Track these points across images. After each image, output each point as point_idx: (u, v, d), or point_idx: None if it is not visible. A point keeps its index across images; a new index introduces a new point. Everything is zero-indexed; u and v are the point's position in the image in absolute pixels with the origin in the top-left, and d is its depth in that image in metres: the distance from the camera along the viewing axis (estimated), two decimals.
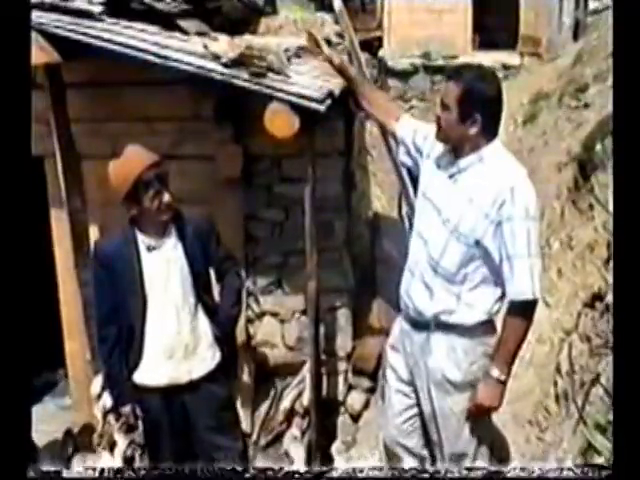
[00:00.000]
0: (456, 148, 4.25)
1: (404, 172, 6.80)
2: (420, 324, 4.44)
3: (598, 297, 5.87)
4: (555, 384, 5.77)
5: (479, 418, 4.43)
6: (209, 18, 6.69)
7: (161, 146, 5.64)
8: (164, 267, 4.82)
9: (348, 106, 6.19)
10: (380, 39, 19.61)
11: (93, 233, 6.40)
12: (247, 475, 4.11)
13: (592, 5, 17.44)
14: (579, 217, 7.40)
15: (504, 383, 4.25)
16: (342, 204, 6.91)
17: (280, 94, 5.24)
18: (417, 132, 4.68)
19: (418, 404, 4.66)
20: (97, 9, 5.71)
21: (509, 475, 3.98)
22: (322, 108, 5.21)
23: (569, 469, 3.76)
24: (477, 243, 4.15)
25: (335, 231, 6.80)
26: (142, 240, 4.80)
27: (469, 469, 4.23)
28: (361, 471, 3.91)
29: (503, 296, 4.25)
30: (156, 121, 6.39)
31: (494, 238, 4.10)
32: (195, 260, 4.90)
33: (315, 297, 6.13)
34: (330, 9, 8.04)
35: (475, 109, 4.09)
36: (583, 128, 8.77)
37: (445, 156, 4.37)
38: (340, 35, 7.51)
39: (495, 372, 4.19)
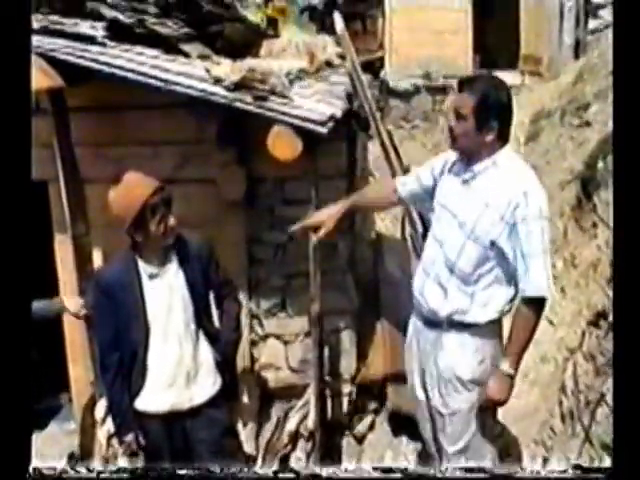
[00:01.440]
0: (471, 155, 4.39)
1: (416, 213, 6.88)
2: (433, 323, 4.62)
3: (602, 315, 5.89)
4: (560, 403, 5.78)
5: (486, 411, 4.61)
6: (211, 41, 6.71)
7: (164, 169, 5.68)
8: (166, 295, 4.83)
9: (350, 128, 6.21)
10: (382, 60, 19.69)
11: (97, 257, 6.38)
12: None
13: (592, 24, 17.50)
14: (582, 235, 7.42)
15: (512, 378, 4.38)
16: (345, 225, 6.89)
17: (283, 117, 5.27)
18: (421, 176, 4.89)
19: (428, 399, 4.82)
20: (100, 34, 5.75)
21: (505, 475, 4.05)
22: (324, 131, 5.23)
23: (572, 467, 3.81)
24: (492, 244, 4.32)
25: (338, 253, 6.80)
26: (143, 268, 4.81)
27: (470, 470, 4.26)
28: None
29: (515, 295, 4.41)
30: (159, 144, 6.38)
31: (509, 239, 4.26)
32: (196, 286, 4.91)
33: (319, 319, 6.15)
34: (331, 30, 8.07)
35: (491, 117, 4.25)
36: (585, 146, 8.81)
37: (458, 163, 4.54)
38: (342, 57, 7.53)
39: (505, 366, 4.34)
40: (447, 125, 4.47)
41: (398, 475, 3.87)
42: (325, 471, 3.84)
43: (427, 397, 4.82)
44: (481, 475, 3.94)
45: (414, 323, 4.86)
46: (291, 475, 3.82)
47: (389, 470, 3.84)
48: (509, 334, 4.36)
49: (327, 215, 5.26)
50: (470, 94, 4.25)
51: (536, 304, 4.29)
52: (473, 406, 4.59)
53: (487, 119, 4.24)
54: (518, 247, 4.23)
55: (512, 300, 4.44)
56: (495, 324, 4.53)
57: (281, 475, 3.85)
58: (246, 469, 4.65)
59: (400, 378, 6.22)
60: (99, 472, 3.98)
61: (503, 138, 4.35)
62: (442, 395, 4.64)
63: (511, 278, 4.36)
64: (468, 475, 4.01)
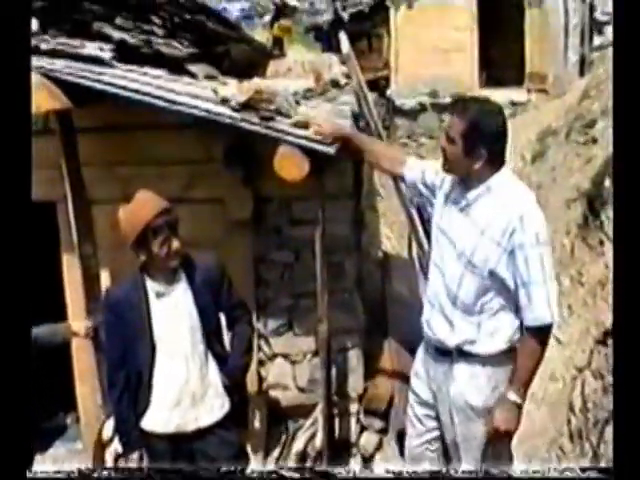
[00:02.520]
0: (464, 180, 4.32)
1: (414, 212, 6.83)
2: (443, 352, 4.51)
3: (610, 333, 5.87)
4: (569, 422, 5.76)
5: (499, 442, 4.46)
6: (218, 62, 6.76)
7: (171, 190, 5.67)
8: (173, 314, 4.80)
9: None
10: (387, 78, 19.76)
11: (104, 277, 6.40)
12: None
13: (597, 41, 17.56)
14: (589, 253, 7.42)
15: (520, 407, 4.30)
16: (352, 245, 6.91)
17: (289, 137, 5.25)
18: (426, 171, 4.75)
19: (439, 428, 4.73)
20: (107, 55, 5.77)
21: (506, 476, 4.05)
22: (331, 151, 5.21)
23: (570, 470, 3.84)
24: (491, 273, 4.22)
25: (345, 272, 6.80)
26: (151, 286, 4.79)
27: (470, 472, 4.26)
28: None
29: (522, 323, 4.30)
30: (166, 165, 6.41)
31: (508, 267, 4.18)
32: (205, 307, 4.87)
33: (326, 338, 6.13)
34: (337, 49, 8.10)
35: (480, 143, 4.16)
36: (591, 164, 8.81)
37: (455, 189, 4.45)
38: (348, 76, 7.55)
39: (512, 395, 4.25)
40: (439, 145, 4.41)
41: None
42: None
43: (439, 427, 4.76)
44: (483, 475, 4.03)
45: (424, 352, 4.75)
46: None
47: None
48: (516, 363, 4.28)
49: (332, 122, 5.37)
50: (460, 118, 4.18)
51: (540, 333, 4.21)
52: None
53: (475, 145, 4.15)
54: (518, 275, 4.15)
55: (520, 329, 4.32)
56: (508, 353, 4.38)
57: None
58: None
59: (406, 397, 6.23)
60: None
61: (496, 165, 4.25)
62: (454, 424, 4.54)
63: (516, 306, 4.27)
64: (473, 476, 4.11)
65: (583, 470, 3.75)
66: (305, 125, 5.27)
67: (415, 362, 4.91)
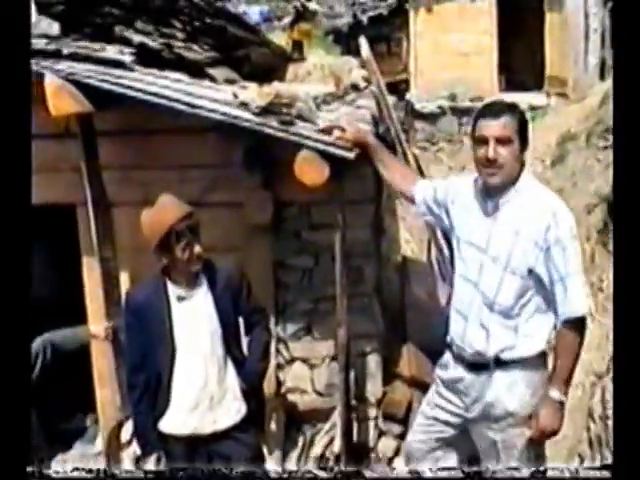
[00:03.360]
0: (505, 182, 4.33)
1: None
2: (478, 365, 4.51)
3: None
4: (588, 429, 5.74)
5: (541, 443, 4.50)
6: (238, 66, 6.77)
7: (191, 193, 5.69)
8: (193, 318, 4.84)
9: None
10: (407, 82, 19.75)
11: (124, 281, 6.41)
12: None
13: None
14: (609, 259, 7.39)
15: (563, 404, 4.32)
16: (372, 250, 6.91)
17: (309, 142, 5.27)
18: (437, 189, 4.83)
19: (459, 438, 4.75)
20: (128, 59, 5.77)
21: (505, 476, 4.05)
22: (351, 155, 5.21)
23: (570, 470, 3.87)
24: (530, 272, 4.27)
25: (365, 277, 6.80)
26: (172, 290, 4.83)
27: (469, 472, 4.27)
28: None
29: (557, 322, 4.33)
30: (186, 168, 6.41)
31: (544, 263, 4.24)
32: (225, 311, 4.91)
33: (345, 343, 6.13)
34: (356, 52, 8.10)
35: (527, 137, 4.33)
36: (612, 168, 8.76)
37: (477, 198, 4.49)
38: (367, 80, 7.55)
39: (555, 393, 4.27)
40: (484, 158, 4.30)
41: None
42: None
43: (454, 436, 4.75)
44: (487, 475, 3.98)
45: (454, 364, 4.67)
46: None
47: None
48: (554, 360, 4.29)
49: (356, 128, 5.34)
50: (512, 116, 4.27)
51: (578, 325, 4.23)
52: (527, 440, 4.46)
53: (526, 138, 4.31)
54: (554, 270, 4.19)
55: (556, 327, 4.36)
56: (543, 354, 4.44)
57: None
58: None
59: None
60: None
61: (524, 163, 4.42)
62: (494, 432, 4.50)
63: (550, 304, 4.30)
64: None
65: (583, 470, 3.75)
66: (331, 131, 5.29)
67: (440, 370, 4.87)
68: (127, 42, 6.06)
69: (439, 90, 19.04)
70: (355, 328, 6.37)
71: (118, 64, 5.71)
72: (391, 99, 7.98)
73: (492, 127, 4.27)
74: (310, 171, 5.26)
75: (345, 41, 21.14)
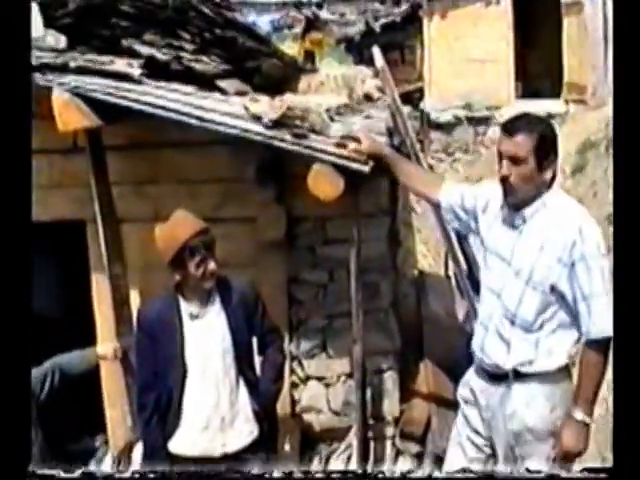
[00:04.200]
0: (527, 201, 4.31)
1: (452, 234, 6.82)
2: (498, 377, 4.50)
3: None
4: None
5: (566, 464, 4.39)
6: (249, 77, 6.76)
7: (203, 209, 5.68)
8: (206, 337, 4.84)
9: None
10: (421, 90, 19.73)
11: (134, 299, 6.42)
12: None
13: None
14: None
15: (588, 425, 4.27)
16: (387, 264, 6.92)
17: (323, 155, 5.28)
18: (464, 195, 4.78)
19: (491, 456, 4.71)
20: (136, 72, 5.80)
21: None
22: (366, 169, 5.22)
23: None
24: (552, 289, 4.23)
25: (381, 292, 6.81)
26: (185, 307, 4.82)
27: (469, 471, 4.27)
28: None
29: (581, 337, 4.29)
30: (197, 183, 6.45)
31: (568, 280, 4.19)
32: (238, 330, 4.90)
33: (361, 360, 6.13)
34: (369, 61, 8.12)
35: (551, 153, 4.23)
36: None
37: (505, 209, 4.45)
38: (381, 89, 7.56)
39: (579, 414, 4.22)
40: (499, 176, 4.32)
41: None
42: None
43: (493, 457, 4.72)
44: (485, 475, 4.06)
45: (476, 378, 4.69)
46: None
47: None
48: (578, 379, 4.26)
49: (372, 140, 5.32)
50: (527, 135, 4.19)
51: (602, 345, 4.17)
52: (548, 458, 4.40)
53: (547, 156, 4.21)
54: (578, 288, 4.15)
55: (579, 342, 4.33)
56: (564, 369, 4.41)
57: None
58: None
59: (444, 420, 6.22)
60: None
61: (553, 177, 4.32)
62: (514, 451, 4.46)
63: (574, 320, 4.26)
64: (472, 475, 4.11)
65: (583, 470, 3.75)
66: (346, 144, 5.29)
67: (462, 387, 4.86)
68: (135, 54, 6.10)
69: (454, 99, 18.99)
70: (371, 345, 6.39)
71: (126, 77, 5.74)
72: (405, 109, 8.00)
73: (506, 145, 4.26)
74: (324, 185, 5.27)
75: (358, 50, 21.11)
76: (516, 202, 4.32)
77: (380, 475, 4.10)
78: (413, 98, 19.08)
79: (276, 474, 3.95)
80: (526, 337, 4.35)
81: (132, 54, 6.10)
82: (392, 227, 7.24)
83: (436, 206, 5.10)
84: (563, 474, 3.92)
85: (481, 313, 4.68)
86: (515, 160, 4.21)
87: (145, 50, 6.15)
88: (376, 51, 7.24)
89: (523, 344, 4.36)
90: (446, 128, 19.14)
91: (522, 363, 4.36)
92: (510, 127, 4.29)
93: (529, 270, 4.27)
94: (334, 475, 4.01)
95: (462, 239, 6.78)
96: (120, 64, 5.89)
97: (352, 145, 5.23)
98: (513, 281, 4.35)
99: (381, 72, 7.23)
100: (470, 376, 4.78)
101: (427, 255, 11.70)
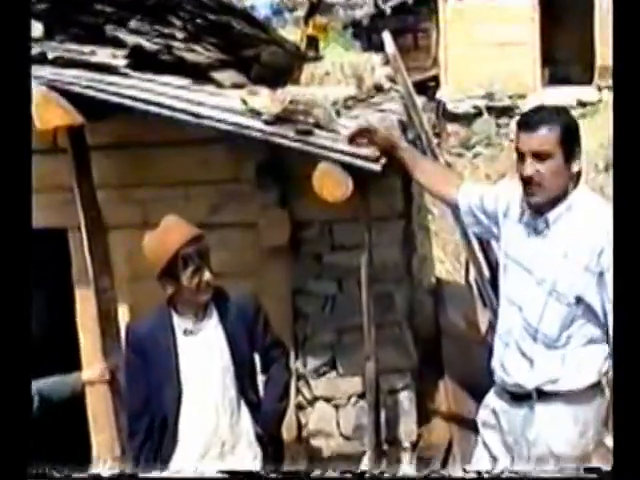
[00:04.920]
0: (548, 201, 4.28)
1: (472, 237, 6.84)
2: (519, 397, 4.49)
3: None
4: None
5: None
6: (246, 68, 6.79)
7: (197, 213, 5.74)
8: (202, 354, 4.83)
9: None
10: (436, 78, 19.69)
11: (123, 314, 6.44)
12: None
13: None
14: None
15: None
16: (402, 272, 6.93)
17: (330, 153, 5.28)
18: (484, 197, 4.77)
19: None
20: (121, 63, 5.81)
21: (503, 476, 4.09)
22: (377, 167, 5.23)
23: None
24: (579, 300, 4.20)
25: (395, 303, 6.82)
26: (179, 323, 4.81)
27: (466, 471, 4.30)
28: None
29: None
30: (191, 185, 6.48)
31: (597, 291, 4.15)
32: (238, 346, 4.89)
33: (374, 379, 6.15)
34: (379, 47, 8.14)
35: (576, 144, 4.26)
36: None
37: (527, 212, 4.43)
38: (392, 79, 7.59)
39: (611, 441, 4.16)
40: (522, 175, 4.30)
41: None
42: None
43: None
44: (486, 476, 4.02)
45: (496, 399, 4.69)
46: None
47: None
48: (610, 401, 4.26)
49: (386, 132, 5.34)
50: (550, 128, 4.18)
51: None
52: None
53: (573, 148, 4.22)
54: (607, 299, 4.10)
55: (610, 358, 4.27)
56: (595, 387, 4.36)
57: None
58: None
59: (467, 444, 6.23)
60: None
61: (579, 175, 4.31)
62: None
63: (606, 334, 4.21)
64: (471, 476, 4.10)
65: (583, 470, 3.79)
66: (358, 136, 5.28)
67: (483, 410, 4.86)
68: (120, 44, 6.10)
69: (474, 87, 18.95)
70: (385, 361, 6.41)
71: (110, 69, 5.75)
72: (420, 100, 8.02)
73: (528, 141, 4.25)
74: (331, 186, 5.27)
75: (366, 35, 21.10)
76: (541, 203, 4.29)
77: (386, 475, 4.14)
78: (428, 87, 19.07)
79: (276, 474, 4.02)
80: (550, 353, 4.33)
81: (116, 43, 6.11)
82: (406, 231, 7.26)
83: (454, 208, 5.13)
84: (563, 474, 3.98)
85: (500, 327, 4.65)
86: (541, 156, 4.19)
87: (131, 39, 6.15)
88: (386, 36, 7.29)
89: (547, 361, 4.34)
90: (465, 120, 19.06)
91: (546, 382, 4.35)
92: (530, 121, 4.29)
93: (552, 280, 4.24)
94: (336, 475, 4.06)
95: (484, 243, 6.81)
96: (103, 54, 5.90)
97: (363, 138, 5.24)
98: (535, 292, 4.32)
99: (392, 59, 7.27)
100: (491, 397, 4.79)
101: (445, 261, 11.69)
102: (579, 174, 4.32)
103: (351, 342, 6.72)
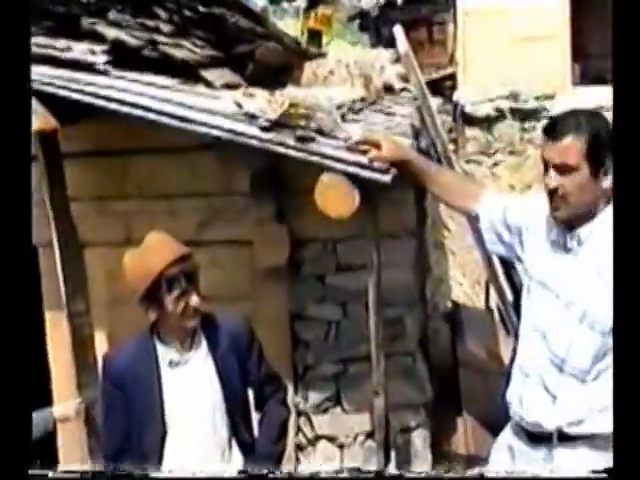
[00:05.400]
0: (576, 216, 4.24)
1: (493, 253, 6.82)
2: (538, 438, 4.45)
3: None
4: None
5: None
6: (241, 66, 6.76)
7: (184, 229, 5.74)
8: (190, 389, 4.78)
9: None
10: (454, 77, 19.64)
11: (100, 342, 6.43)
12: None
13: None
14: None
15: None
16: (414, 295, 6.93)
17: (334, 163, 5.26)
18: (507, 210, 4.71)
19: None
20: (100, 59, 5.81)
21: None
22: (387, 179, 5.18)
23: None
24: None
25: (407, 330, 6.82)
26: (163, 353, 4.77)
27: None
28: None
29: None
30: (177, 198, 6.50)
31: None
32: (230, 380, 4.85)
33: (383, 415, 6.13)
34: (389, 42, 8.15)
35: (606, 155, 4.12)
36: None
37: (555, 228, 4.38)
38: (405, 78, 7.60)
39: None
40: (545, 189, 4.26)
41: None
42: None
43: None
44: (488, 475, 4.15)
45: (512, 436, 4.66)
46: None
47: None
48: None
49: (393, 143, 5.25)
50: (578, 137, 4.14)
51: None
52: None
53: (603, 159, 4.13)
54: None
55: None
56: None
57: None
58: None
59: None
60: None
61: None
62: None
63: None
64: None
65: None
66: (362, 148, 5.24)
67: (496, 453, 4.84)
68: (98, 38, 6.09)
69: (496, 87, 18.91)
70: (396, 396, 6.41)
71: (88, 67, 5.75)
72: (435, 101, 8.03)
73: (551, 151, 4.22)
74: (335, 199, 5.26)
75: (375, 28, 21.11)
76: (567, 218, 4.26)
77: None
78: (444, 87, 19.06)
79: (279, 474, 4.03)
80: (577, 389, 4.27)
81: (94, 38, 6.11)
82: (419, 250, 7.26)
83: (474, 222, 5.10)
84: (563, 474, 4.03)
85: (520, 356, 4.59)
86: (564, 169, 4.17)
87: (111, 32, 6.14)
88: (398, 30, 7.31)
89: (573, 398, 4.28)
90: (485, 124, 18.99)
91: (570, 422, 4.30)
92: (554, 129, 4.25)
93: (584, 304, 4.18)
94: (341, 475, 4.08)
95: (507, 262, 6.79)
96: (79, 50, 5.90)
97: (371, 152, 5.18)
98: (563, 318, 4.27)
99: (404, 56, 7.28)
100: (507, 433, 4.76)
101: (463, 283, 11.69)
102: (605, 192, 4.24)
103: (357, 374, 6.73)
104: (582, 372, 4.24)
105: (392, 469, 6.46)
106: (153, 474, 4.44)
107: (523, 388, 4.49)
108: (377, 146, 5.18)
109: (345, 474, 4.18)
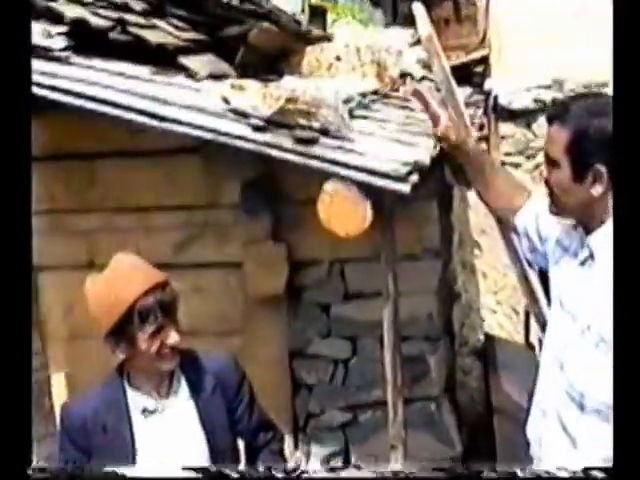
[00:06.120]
0: (583, 221, 4.24)
1: (532, 273, 6.79)
2: None
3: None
4: None
5: None
6: (228, 52, 6.74)
7: (162, 250, 5.72)
8: (167, 441, 4.74)
9: (443, 180, 6.20)
10: (485, 61, 19.64)
11: (57, 388, 6.41)
12: None
13: None
14: None
15: None
16: (438, 327, 6.92)
17: (341, 169, 5.21)
18: (540, 216, 4.68)
19: None
20: (59, 44, 5.79)
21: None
22: (405, 189, 5.14)
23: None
24: None
25: (430, 370, 6.81)
26: (135, 399, 4.72)
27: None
28: None
29: None
30: (153, 211, 6.47)
31: None
32: (215, 429, 4.80)
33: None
34: (408, 21, 8.13)
35: (595, 157, 4.04)
36: None
37: (571, 235, 4.39)
38: (426, 64, 7.58)
39: None
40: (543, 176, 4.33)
41: None
42: None
43: None
44: (488, 475, 4.08)
45: None
46: None
47: None
48: None
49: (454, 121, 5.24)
50: (560, 126, 4.13)
51: None
52: None
53: (588, 162, 4.05)
54: None
55: None
56: None
57: None
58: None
59: None
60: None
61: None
62: None
63: None
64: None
65: (583, 470, 3.91)
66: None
67: None
68: (57, 19, 6.07)
69: (535, 74, 18.95)
70: (417, 450, 6.35)
71: (43, 53, 5.74)
72: (462, 91, 8.00)
73: (546, 138, 4.29)
74: (342, 213, 5.19)
75: (391, 3, 21.13)
76: (560, 216, 4.31)
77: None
78: (474, 74, 19.03)
79: (279, 474, 4.05)
80: (601, 429, 4.17)
81: (51, 17, 6.09)
82: (444, 273, 7.23)
83: (512, 229, 5.05)
84: (563, 474, 3.99)
85: (538, 390, 4.59)
86: (548, 161, 4.23)
87: (71, 11, 6.12)
88: (418, 7, 7.27)
89: (596, 439, 4.21)
90: (523, 118, 18.99)
91: (594, 467, 4.27)
92: (550, 112, 4.31)
93: (602, 327, 4.07)
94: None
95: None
96: (34, 33, 5.88)
97: (444, 121, 5.12)
98: (579, 344, 4.21)
99: (426, 37, 7.25)
100: None
101: (498, 311, 11.70)
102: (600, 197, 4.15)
103: (370, 423, 6.72)
104: (605, 406, 4.13)
105: None
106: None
107: (540, 428, 4.52)
108: (435, 119, 5.16)
109: None
